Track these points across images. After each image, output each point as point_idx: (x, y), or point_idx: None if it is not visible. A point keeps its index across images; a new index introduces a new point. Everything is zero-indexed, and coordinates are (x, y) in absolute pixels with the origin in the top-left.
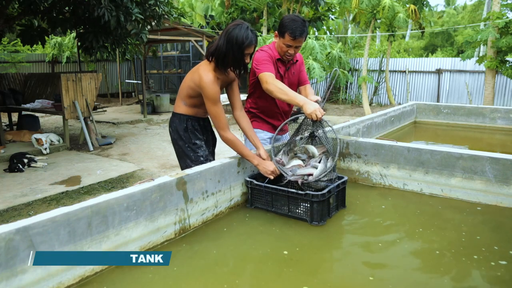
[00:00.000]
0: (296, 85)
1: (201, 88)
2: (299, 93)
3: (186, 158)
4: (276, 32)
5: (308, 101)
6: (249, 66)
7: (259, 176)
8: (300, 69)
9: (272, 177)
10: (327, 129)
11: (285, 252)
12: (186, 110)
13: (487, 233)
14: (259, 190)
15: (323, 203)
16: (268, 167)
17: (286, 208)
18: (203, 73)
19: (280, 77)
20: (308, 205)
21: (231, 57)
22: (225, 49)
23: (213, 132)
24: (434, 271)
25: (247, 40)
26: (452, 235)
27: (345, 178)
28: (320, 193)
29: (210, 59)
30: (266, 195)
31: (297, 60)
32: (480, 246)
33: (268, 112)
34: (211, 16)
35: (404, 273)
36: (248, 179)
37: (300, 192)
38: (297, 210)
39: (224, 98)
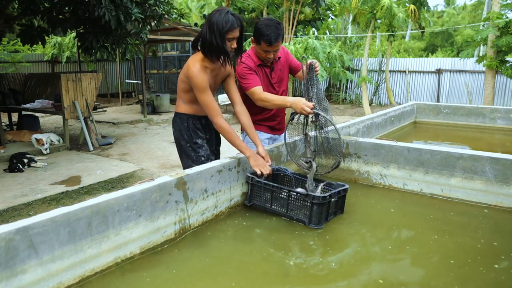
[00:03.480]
0: (287, 78)
1: (189, 78)
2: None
3: (187, 159)
4: (253, 38)
5: (295, 100)
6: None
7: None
8: (287, 59)
9: (260, 172)
10: (329, 128)
11: (287, 254)
12: (186, 108)
13: (503, 239)
14: (259, 187)
15: (323, 205)
16: (259, 161)
17: (284, 208)
18: (191, 63)
19: (268, 79)
20: (308, 207)
21: (214, 43)
22: (208, 35)
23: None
24: (451, 280)
25: (228, 24)
26: (466, 240)
27: (347, 186)
28: (321, 195)
29: (196, 49)
30: (266, 193)
31: (279, 57)
32: (499, 254)
33: (262, 116)
34: None
35: (417, 278)
36: (249, 175)
37: (301, 193)
38: (295, 211)
39: (224, 98)
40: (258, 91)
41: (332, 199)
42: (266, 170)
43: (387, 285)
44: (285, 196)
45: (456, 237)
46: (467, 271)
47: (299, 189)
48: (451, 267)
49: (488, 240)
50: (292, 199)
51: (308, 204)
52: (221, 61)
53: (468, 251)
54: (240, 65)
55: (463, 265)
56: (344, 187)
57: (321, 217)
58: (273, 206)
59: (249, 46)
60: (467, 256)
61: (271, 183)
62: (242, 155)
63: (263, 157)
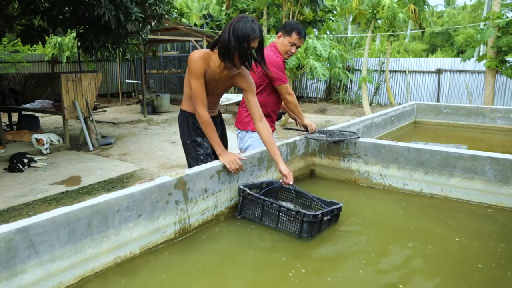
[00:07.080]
0: None
1: (188, 62)
2: None
3: (188, 156)
4: (280, 32)
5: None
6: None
7: (252, 186)
8: None
9: (230, 170)
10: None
11: (286, 258)
12: (187, 106)
13: None
14: (250, 200)
15: (313, 224)
16: (228, 158)
17: (274, 223)
18: (196, 51)
19: None
20: (298, 224)
21: (236, 51)
22: (229, 42)
23: (223, 129)
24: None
25: (253, 33)
26: (483, 243)
27: (341, 204)
28: (312, 213)
29: (213, 49)
30: (257, 207)
31: None
32: None
33: (271, 110)
34: (210, 16)
35: (444, 283)
36: (241, 186)
37: (292, 210)
38: (285, 227)
39: (224, 98)
40: (289, 86)
41: (325, 218)
42: (236, 165)
43: None
44: (275, 212)
45: (475, 240)
46: (496, 275)
47: (289, 205)
48: (478, 271)
49: (506, 243)
50: (283, 215)
51: (299, 221)
52: (238, 66)
53: (491, 254)
54: (274, 57)
55: (491, 269)
56: (338, 206)
57: (312, 231)
58: (262, 221)
59: None
60: (492, 260)
61: (262, 197)
62: (242, 156)
63: (285, 175)
